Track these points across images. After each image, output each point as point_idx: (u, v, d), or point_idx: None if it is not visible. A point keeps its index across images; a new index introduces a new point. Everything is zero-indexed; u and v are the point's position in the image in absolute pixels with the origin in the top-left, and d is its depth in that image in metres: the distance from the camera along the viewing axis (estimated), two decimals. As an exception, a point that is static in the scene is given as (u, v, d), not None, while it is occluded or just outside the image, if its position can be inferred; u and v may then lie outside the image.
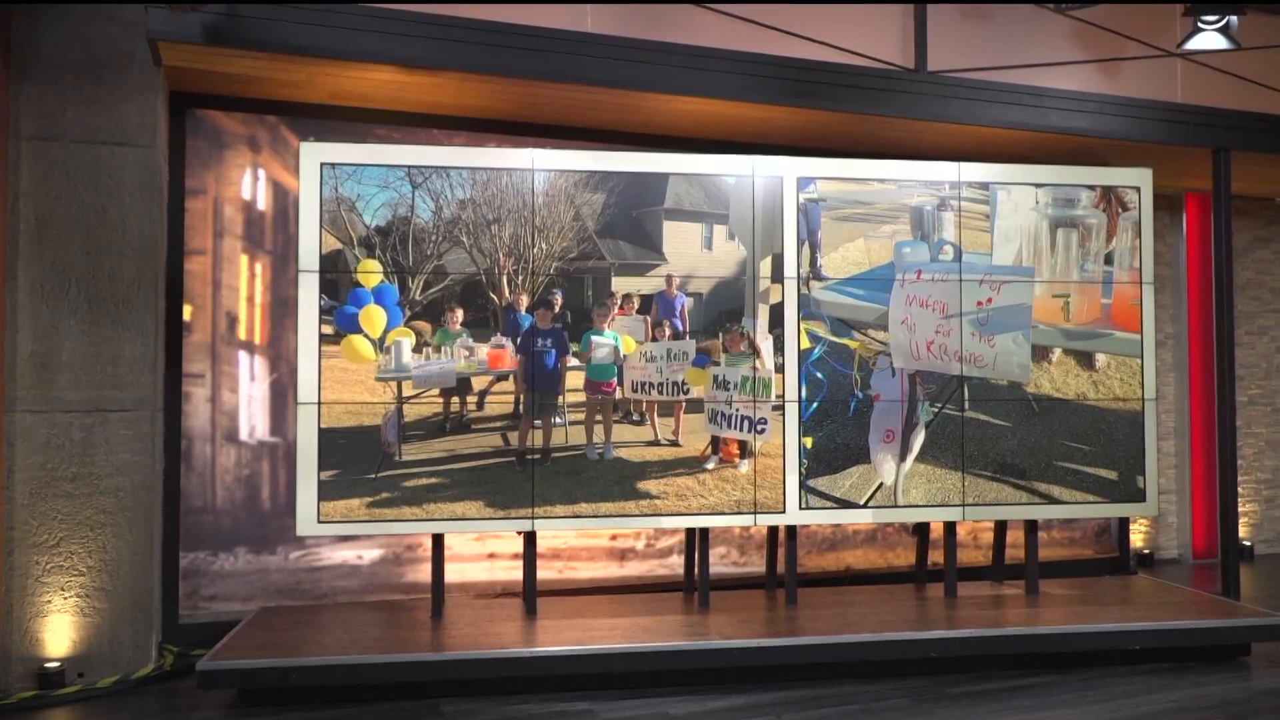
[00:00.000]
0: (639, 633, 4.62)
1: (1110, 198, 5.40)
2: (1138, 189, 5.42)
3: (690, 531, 5.36)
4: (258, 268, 5.42)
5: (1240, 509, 8.01)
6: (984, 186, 5.29)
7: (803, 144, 6.20)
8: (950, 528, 5.37)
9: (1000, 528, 5.75)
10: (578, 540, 5.95)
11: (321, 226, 4.77)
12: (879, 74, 5.71)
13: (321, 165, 4.77)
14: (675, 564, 6.12)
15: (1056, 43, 6.18)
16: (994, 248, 5.28)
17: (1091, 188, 5.39)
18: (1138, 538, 7.64)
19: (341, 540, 5.50)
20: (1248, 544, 7.93)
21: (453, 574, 5.66)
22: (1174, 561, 7.67)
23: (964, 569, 6.03)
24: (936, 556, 6.69)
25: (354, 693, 4.30)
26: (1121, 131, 6.20)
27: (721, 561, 6.23)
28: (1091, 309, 5.35)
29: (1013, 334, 5.25)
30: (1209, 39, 5.92)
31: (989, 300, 5.24)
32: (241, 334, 5.40)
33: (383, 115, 5.61)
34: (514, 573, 5.58)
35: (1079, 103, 6.13)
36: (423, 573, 5.54)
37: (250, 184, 5.43)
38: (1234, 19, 5.81)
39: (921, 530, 5.69)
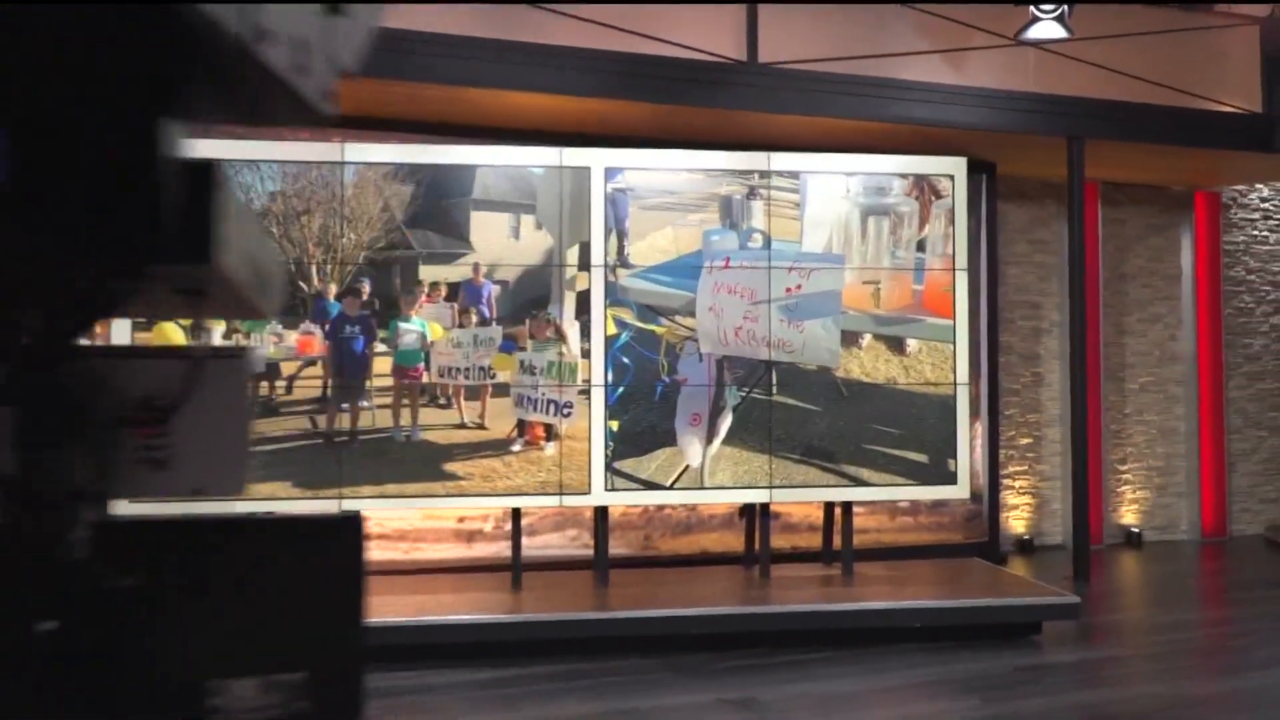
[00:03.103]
0: (432, 607, 4.81)
1: (923, 186, 5.48)
2: (951, 177, 5.49)
3: (515, 513, 5.53)
4: (101, 258, 5.68)
5: (1131, 495, 8.04)
6: (795, 175, 5.40)
7: (651, 138, 6.31)
8: (764, 510, 5.49)
9: (828, 511, 5.85)
10: (424, 522, 6.15)
11: (136, 218, 5.00)
12: (710, 67, 5.83)
13: (136, 160, 5.00)
14: (525, 544, 6.27)
15: (904, 36, 6.25)
16: (803, 235, 5.39)
17: (904, 176, 5.47)
18: (1019, 523, 7.69)
19: (185, 519, 5.74)
20: (1136, 530, 7.95)
21: (296, 552, 5.90)
22: (1058, 548, 7.70)
23: (813, 554, 6.15)
24: (799, 540, 6.82)
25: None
26: (966, 121, 6.27)
27: (573, 544, 6.40)
28: (903, 295, 5.45)
29: (822, 320, 5.36)
30: (1047, 28, 5.97)
31: (798, 287, 5.35)
32: (85, 322, 5.65)
33: (226, 111, 5.82)
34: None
35: (924, 93, 6.21)
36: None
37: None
38: (1066, 7, 5.85)
39: (749, 513, 5.81)
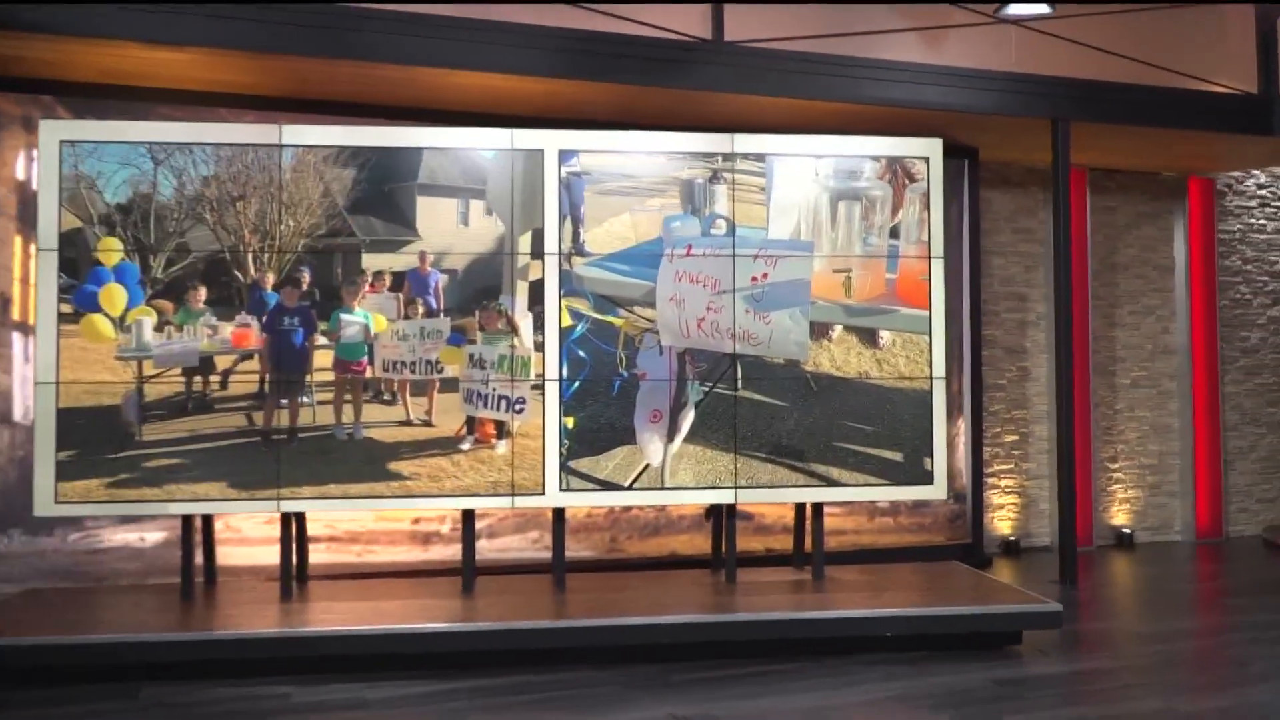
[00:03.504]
0: (372, 616, 4.52)
1: (897, 169, 5.19)
2: (926, 159, 5.20)
3: (467, 515, 5.25)
4: (33, 249, 5.39)
5: (1122, 495, 7.75)
6: (760, 158, 5.11)
7: (611, 122, 6.03)
8: (730, 511, 5.21)
9: (799, 512, 5.56)
10: (377, 524, 5.87)
11: (61, 204, 4.72)
12: (673, 45, 5.55)
13: (61, 143, 4.72)
14: (483, 547, 6.01)
15: (878, 13, 5.95)
16: (770, 221, 5.10)
17: (876, 159, 5.18)
18: (1005, 524, 7.40)
19: (122, 522, 5.47)
20: (1128, 531, 7.65)
21: (241, 557, 5.63)
22: (1045, 549, 7.41)
23: (788, 557, 5.86)
24: (773, 543, 6.54)
25: (60, 673, 4.25)
26: (944, 102, 5.98)
27: (534, 546, 6.12)
28: (875, 284, 5.16)
29: (789, 310, 5.07)
30: (1028, 5, 5.68)
31: (764, 276, 5.06)
32: (16, 315, 5.38)
33: (167, 94, 5.55)
34: (311, 556, 5.49)
35: (899, 73, 5.92)
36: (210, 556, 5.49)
37: (25, 165, 5.41)
38: (1050, -18, 5.57)
39: (716, 514, 5.52)
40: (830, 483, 5.10)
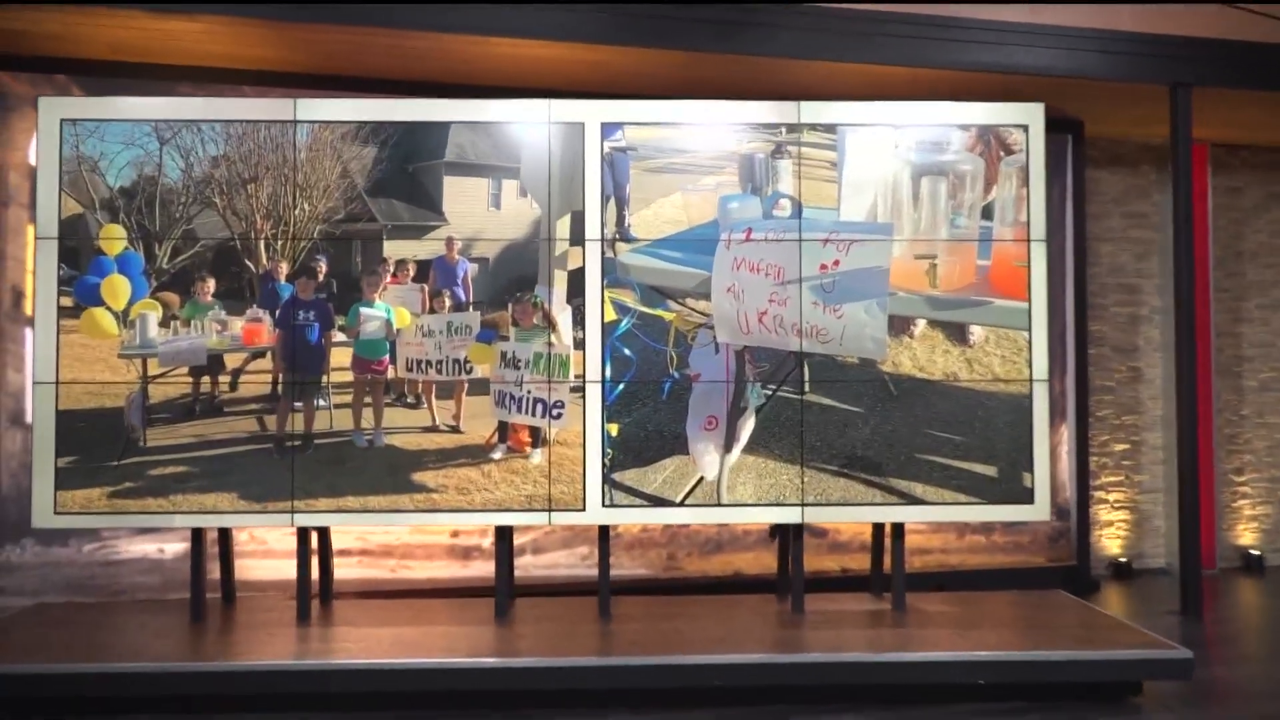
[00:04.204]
0: (390, 647, 4.03)
1: (990, 139, 4.51)
2: (1025, 128, 4.51)
3: (500, 532, 4.74)
4: (46, 239, 5.06)
5: (1249, 512, 6.88)
6: (831, 129, 4.48)
7: (664, 95, 5.47)
8: (797, 531, 4.59)
9: (877, 531, 4.91)
10: (412, 537, 5.41)
11: (61, 189, 4.35)
12: (734, 6, 4.95)
13: (61, 122, 4.35)
14: (527, 564, 5.51)
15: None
16: (841, 201, 4.47)
17: (965, 128, 4.51)
18: (1114, 544, 6.60)
19: (140, 532, 5.12)
20: (1257, 553, 6.78)
21: (267, 571, 5.23)
22: (1161, 572, 6.59)
23: (865, 579, 5.21)
24: (849, 562, 5.90)
25: (51, 704, 3.86)
26: (1044, 66, 5.26)
27: (584, 563, 5.58)
28: (965, 272, 4.48)
29: (864, 303, 4.43)
30: (1145, -51, 4.94)
31: (835, 263, 4.43)
32: (29, 310, 5.05)
33: (186, 72, 5.18)
34: (341, 570, 5.06)
35: (993, 34, 5.22)
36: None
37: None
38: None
39: (782, 534, 4.90)
40: (912, 500, 4.45)
